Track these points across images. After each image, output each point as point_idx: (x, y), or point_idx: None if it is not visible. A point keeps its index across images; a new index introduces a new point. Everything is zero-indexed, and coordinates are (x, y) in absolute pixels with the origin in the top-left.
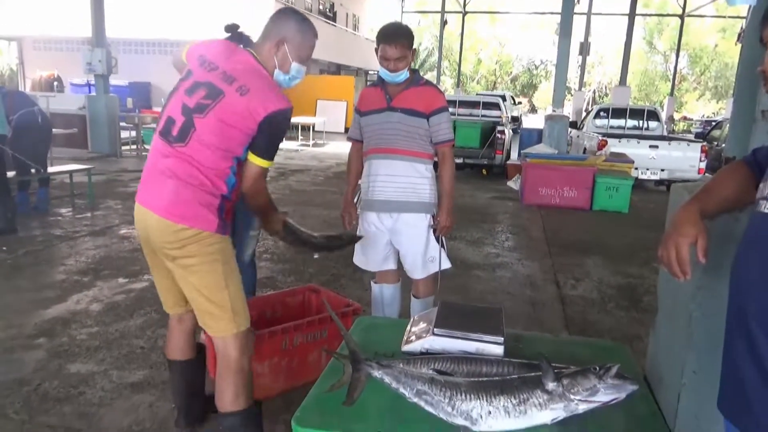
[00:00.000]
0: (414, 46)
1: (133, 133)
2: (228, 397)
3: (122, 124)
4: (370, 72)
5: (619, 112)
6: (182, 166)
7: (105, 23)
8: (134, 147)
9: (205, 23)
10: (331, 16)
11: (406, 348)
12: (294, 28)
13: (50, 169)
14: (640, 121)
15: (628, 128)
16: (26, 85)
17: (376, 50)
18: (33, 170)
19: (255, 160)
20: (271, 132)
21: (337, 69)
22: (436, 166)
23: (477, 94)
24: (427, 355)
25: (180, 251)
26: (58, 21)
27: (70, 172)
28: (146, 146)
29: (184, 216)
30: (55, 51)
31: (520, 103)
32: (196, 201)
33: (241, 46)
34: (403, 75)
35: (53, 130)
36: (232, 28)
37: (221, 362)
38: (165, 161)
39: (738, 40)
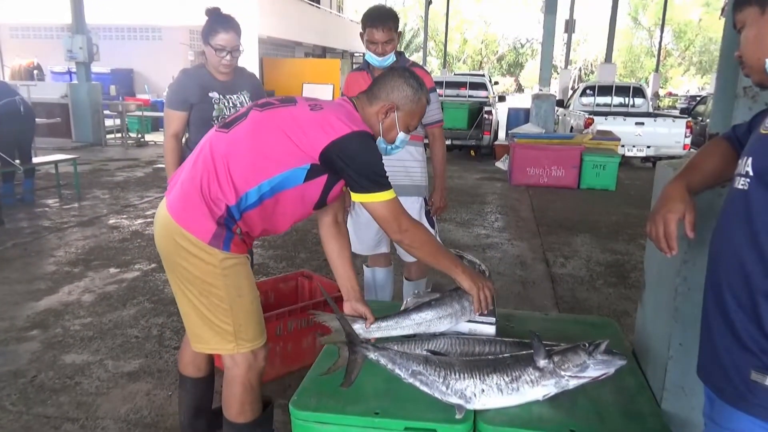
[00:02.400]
0: (399, 29)
1: (117, 121)
2: (234, 409)
3: (106, 112)
4: (355, 54)
5: (604, 90)
6: (206, 158)
7: (84, 9)
8: (119, 135)
9: (187, 7)
10: None
11: None
12: (408, 97)
13: (35, 160)
14: (626, 98)
15: (614, 105)
16: (4, 74)
17: (362, 34)
18: (17, 161)
19: (360, 198)
20: (349, 161)
21: (323, 52)
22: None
23: (455, 74)
24: (421, 336)
25: (177, 257)
26: (36, 7)
27: (55, 163)
28: (131, 134)
29: (182, 215)
30: (34, 39)
31: (497, 83)
32: (197, 201)
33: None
34: (391, 58)
35: (36, 119)
36: (212, 12)
37: (227, 375)
38: (198, 147)
39: (722, 14)
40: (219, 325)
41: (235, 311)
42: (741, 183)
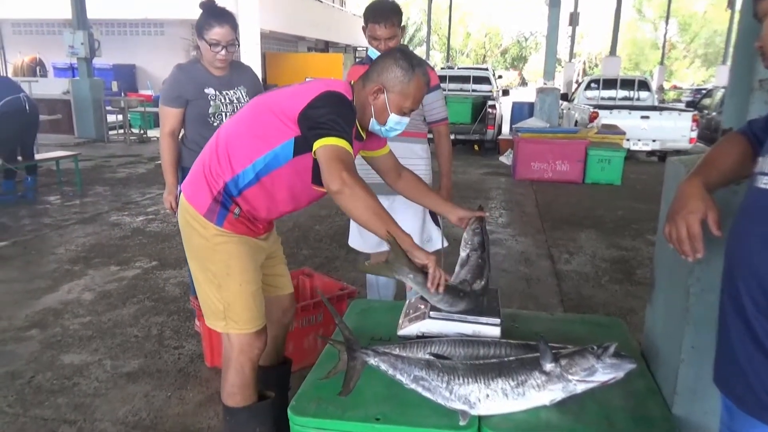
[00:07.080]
0: (402, 23)
1: (120, 117)
2: (225, 389)
3: (108, 108)
4: (358, 48)
5: (609, 83)
6: (213, 141)
7: (86, 4)
8: (121, 131)
9: (189, 1)
10: None
11: (402, 332)
12: (398, 78)
13: (37, 156)
14: (631, 92)
15: (619, 99)
16: (7, 71)
17: (364, 29)
18: (19, 158)
19: (316, 145)
20: (311, 114)
21: (325, 46)
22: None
23: (458, 68)
24: (423, 339)
25: (184, 230)
26: (38, 2)
27: (57, 159)
28: (133, 130)
29: (187, 189)
30: (36, 34)
31: (500, 77)
32: (200, 177)
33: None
34: None
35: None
36: (206, 5)
37: (224, 353)
38: (215, 133)
39: (728, 5)
40: (213, 300)
41: (223, 289)
42: (764, 182)
